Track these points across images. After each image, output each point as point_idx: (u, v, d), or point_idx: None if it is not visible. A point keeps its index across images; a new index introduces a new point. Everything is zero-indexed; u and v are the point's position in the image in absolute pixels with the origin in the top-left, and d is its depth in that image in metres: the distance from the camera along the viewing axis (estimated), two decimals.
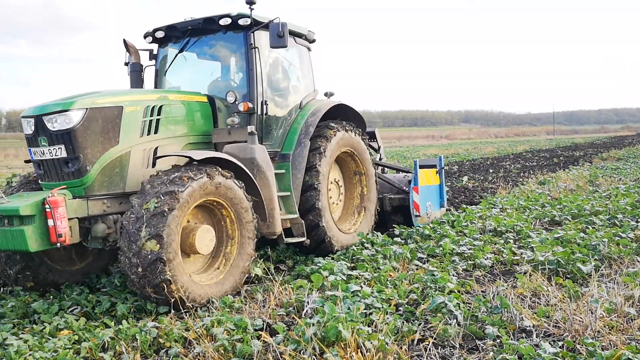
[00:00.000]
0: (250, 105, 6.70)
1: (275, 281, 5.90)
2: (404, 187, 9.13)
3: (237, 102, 6.73)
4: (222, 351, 4.10)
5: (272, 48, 6.74)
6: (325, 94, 8.43)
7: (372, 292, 5.35)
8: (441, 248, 7.23)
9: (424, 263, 6.81)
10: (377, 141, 9.99)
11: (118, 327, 4.70)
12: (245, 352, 4.06)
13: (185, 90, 7.15)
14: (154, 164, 6.05)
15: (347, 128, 7.90)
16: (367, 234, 8.02)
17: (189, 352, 4.23)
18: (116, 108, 5.75)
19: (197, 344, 4.31)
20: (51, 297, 5.98)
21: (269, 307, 5.19)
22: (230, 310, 5.23)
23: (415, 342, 4.33)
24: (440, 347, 4.27)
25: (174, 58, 7.41)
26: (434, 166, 9.63)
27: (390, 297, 5.32)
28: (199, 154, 5.71)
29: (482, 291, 5.63)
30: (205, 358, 4.05)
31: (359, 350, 3.88)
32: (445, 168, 9.80)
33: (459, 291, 5.55)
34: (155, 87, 7.58)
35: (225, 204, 5.74)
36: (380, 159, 9.95)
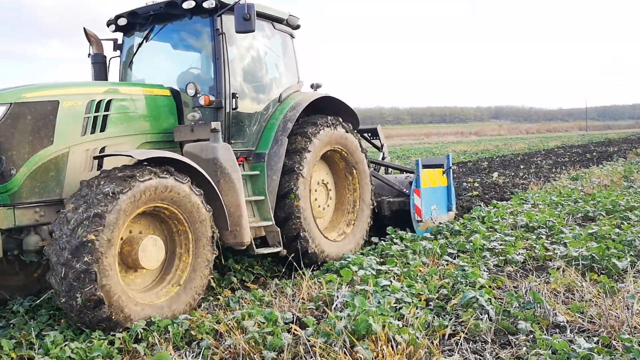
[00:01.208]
0: (213, 98, 5.97)
1: (305, 276, 5.92)
2: (404, 190, 8.30)
3: (198, 96, 5.91)
4: (253, 343, 4.12)
5: (238, 33, 5.93)
6: (312, 86, 7.62)
7: (401, 287, 5.33)
8: (471, 244, 7.15)
9: (454, 258, 6.74)
10: (379, 139, 9.46)
11: (150, 319, 4.78)
12: (276, 344, 4.08)
13: (144, 83, 6.52)
14: (100, 167, 5.34)
15: (334, 123, 7.06)
16: (359, 246, 7.33)
17: (220, 344, 4.27)
18: (50, 103, 5.03)
19: (228, 336, 4.35)
20: None
21: (298, 301, 5.20)
22: (260, 303, 5.26)
23: (447, 336, 4.30)
24: (471, 342, 4.23)
25: (138, 48, 6.72)
26: (440, 166, 8.74)
27: (420, 292, 5.29)
28: (142, 154, 4.95)
29: (514, 287, 5.56)
30: (236, 350, 4.08)
31: (389, 344, 3.86)
32: (453, 167, 8.85)
33: (490, 286, 5.49)
34: (121, 80, 6.90)
35: (178, 213, 5.01)
36: (383, 158, 9.41)
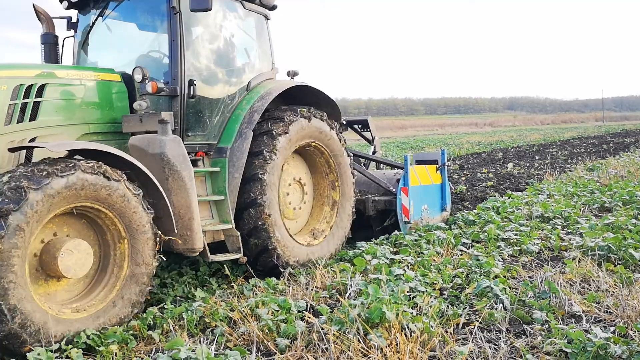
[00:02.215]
0: (162, 85, 5.26)
1: (318, 264, 5.92)
2: (391, 188, 7.63)
3: (145, 82, 5.19)
4: (267, 331, 4.14)
5: (192, 11, 5.33)
6: (288, 74, 6.81)
7: (415, 276, 5.31)
8: (486, 234, 7.11)
9: (469, 248, 6.71)
10: (370, 131, 8.78)
11: (163, 306, 4.81)
12: (290, 332, 4.09)
13: (89, 66, 5.95)
14: (28, 160, 4.78)
15: (309, 115, 6.33)
16: (338, 249, 6.71)
17: (234, 331, 4.28)
18: None
19: (242, 323, 4.36)
20: None
21: (312, 290, 5.21)
22: (274, 291, 5.27)
23: (461, 325, 4.28)
24: (486, 330, 4.21)
25: (91, 27, 6.06)
26: (434, 162, 8.12)
27: (434, 281, 5.27)
28: (60, 145, 4.37)
29: (529, 277, 5.52)
30: (250, 337, 4.09)
31: (403, 332, 3.85)
32: (448, 164, 8.20)
33: (504, 276, 5.46)
34: (75, 63, 6.22)
35: (111, 214, 4.36)
36: (374, 152, 8.75)
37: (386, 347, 3.70)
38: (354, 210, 7.03)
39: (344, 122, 8.25)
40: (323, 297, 5.03)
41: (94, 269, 4.45)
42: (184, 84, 5.45)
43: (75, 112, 5.13)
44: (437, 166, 8.01)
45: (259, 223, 5.77)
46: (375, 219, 7.69)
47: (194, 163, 5.52)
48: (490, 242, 6.86)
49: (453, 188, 11.29)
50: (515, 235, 7.07)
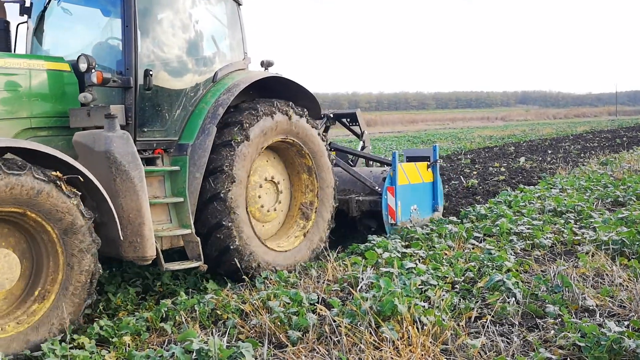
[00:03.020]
0: (109, 75, 4.74)
1: (329, 258, 5.92)
2: (376, 187, 7.11)
3: (91, 71, 4.67)
4: (278, 323, 4.15)
5: None
6: (262, 64, 6.33)
7: (427, 270, 5.30)
8: (498, 228, 7.07)
9: (480, 242, 6.68)
10: (359, 125, 8.35)
11: (176, 298, 4.83)
12: (301, 324, 4.09)
13: (32, 55, 5.55)
14: None
15: (282, 109, 5.88)
16: (314, 254, 6.27)
17: (245, 323, 4.30)
18: None
19: (253, 315, 4.38)
20: (113, 269, 6.18)
21: (323, 283, 5.21)
22: (285, 284, 5.28)
23: (472, 319, 4.27)
24: (498, 324, 4.20)
25: (45, 12, 5.62)
26: (425, 159, 7.64)
27: (446, 275, 5.25)
28: None
29: (541, 271, 5.49)
30: (262, 329, 4.10)
31: (414, 325, 3.85)
32: (440, 161, 7.65)
33: (517, 270, 5.43)
34: (29, 51, 5.82)
35: (41, 220, 3.88)
36: (363, 148, 8.35)
37: (398, 339, 3.70)
38: (333, 215, 6.56)
39: (331, 116, 7.99)
40: (334, 290, 5.03)
41: (25, 281, 3.99)
42: (138, 74, 4.96)
43: (16, 105, 4.65)
44: (429, 163, 7.58)
45: (222, 220, 5.29)
46: (360, 220, 7.26)
47: (152, 161, 5.15)
48: (503, 236, 6.83)
49: (466, 182, 11.24)
50: (528, 229, 7.03)
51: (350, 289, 4.87)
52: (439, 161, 7.62)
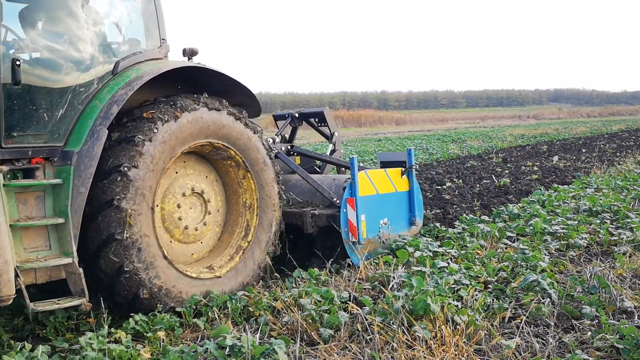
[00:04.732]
0: None
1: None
2: (334, 199, 5.88)
3: None
4: (310, 321, 4.16)
5: None
6: (184, 52, 5.32)
7: (459, 269, 5.25)
8: (531, 227, 6.96)
9: (513, 242, 6.59)
10: (328, 125, 7.40)
11: (209, 295, 4.88)
12: (333, 322, 4.10)
13: None
14: None
15: (209, 106, 4.88)
16: (246, 282, 5.21)
17: (277, 320, 4.32)
18: None
19: (285, 313, 4.40)
20: None
21: (354, 281, 5.20)
22: (316, 282, 5.29)
23: (506, 319, 4.22)
24: (533, 325, 4.13)
25: None
26: (400, 164, 6.52)
27: (479, 275, 5.20)
28: None
29: (577, 271, 5.39)
30: (294, 326, 4.12)
31: (448, 325, 3.82)
32: (415, 166, 6.55)
33: (551, 270, 5.34)
34: None
35: None
36: (333, 151, 7.37)
37: (431, 339, 3.68)
38: (275, 238, 5.52)
39: (297, 115, 7.26)
40: (366, 288, 5.02)
41: None
42: (2, 64, 3.96)
43: None
44: (403, 170, 6.43)
45: (116, 235, 4.23)
46: (320, 238, 6.01)
47: (30, 173, 4.17)
48: (536, 236, 6.72)
49: (498, 181, 11.09)
50: (562, 229, 6.90)
51: (382, 287, 4.86)
52: (415, 167, 6.54)
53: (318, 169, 7.37)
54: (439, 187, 11.29)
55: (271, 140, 6.68)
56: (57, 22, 4.48)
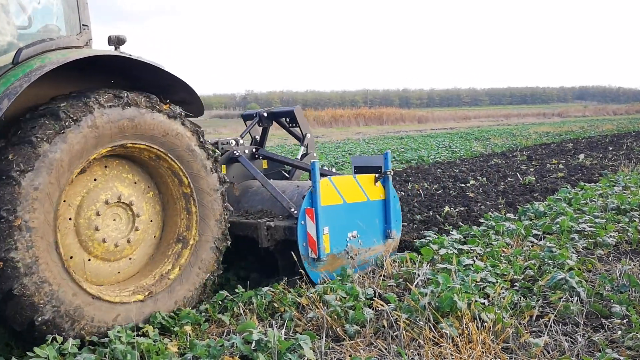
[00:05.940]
0: None
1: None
2: (292, 209, 5.20)
3: None
4: (335, 317, 4.16)
5: None
6: (109, 41, 4.62)
7: (485, 267, 5.21)
8: (558, 225, 6.87)
9: (540, 240, 6.51)
10: (299, 126, 6.68)
11: (234, 291, 4.91)
12: (358, 318, 4.09)
13: None
14: None
15: (134, 102, 4.13)
16: (178, 306, 4.46)
17: (302, 316, 4.33)
18: None
19: (310, 309, 4.40)
20: None
21: (379, 278, 5.19)
22: (341, 279, 5.28)
23: (534, 317, 4.17)
24: (561, 323, 4.08)
25: None
26: (375, 169, 5.80)
27: (505, 272, 5.14)
28: None
29: (605, 270, 5.31)
30: (319, 322, 4.12)
31: (474, 322, 3.79)
32: (390, 172, 5.76)
33: (579, 269, 5.27)
34: None
35: None
36: (304, 155, 6.65)
37: (458, 336, 3.65)
38: (219, 257, 4.80)
39: (265, 115, 6.63)
40: (390, 285, 5.01)
41: None
42: None
43: None
44: (376, 176, 5.71)
45: (2, 252, 3.52)
46: (280, 254, 5.35)
47: None
48: (563, 234, 6.63)
49: (522, 179, 10.95)
50: (590, 227, 6.80)
51: (407, 284, 4.84)
52: (390, 172, 5.79)
53: (287, 175, 6.63)
54: (463, 184, 11.20)
55: (234, 142, 6.13)
56: None
